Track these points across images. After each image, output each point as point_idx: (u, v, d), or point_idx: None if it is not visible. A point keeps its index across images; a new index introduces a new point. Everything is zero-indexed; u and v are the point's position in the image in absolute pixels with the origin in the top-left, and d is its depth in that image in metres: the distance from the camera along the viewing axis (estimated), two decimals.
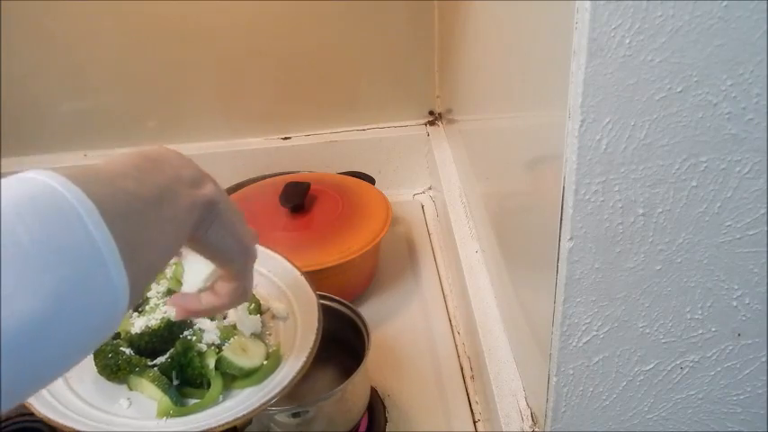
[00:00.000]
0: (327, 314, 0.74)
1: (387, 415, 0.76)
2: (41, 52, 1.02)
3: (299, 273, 0.67)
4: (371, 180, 1.05)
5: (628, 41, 0.38)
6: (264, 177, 1.06)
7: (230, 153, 1.12)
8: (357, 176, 1.04)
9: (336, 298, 0.74)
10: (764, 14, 0.38)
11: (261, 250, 0.68)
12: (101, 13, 0.99)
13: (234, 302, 0.52)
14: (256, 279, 0.67)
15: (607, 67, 0.39)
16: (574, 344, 0.50)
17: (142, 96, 1.08)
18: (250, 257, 0.50)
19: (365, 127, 1.14)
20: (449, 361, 0.83)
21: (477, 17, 0.76)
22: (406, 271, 0.99)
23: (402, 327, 0.88)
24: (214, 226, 0.45)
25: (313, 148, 1.13)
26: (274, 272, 0.68)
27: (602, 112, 0.41)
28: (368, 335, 0.70)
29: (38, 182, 0.33)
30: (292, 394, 0.73)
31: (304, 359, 0.58)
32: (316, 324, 0.61)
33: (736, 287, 0.49)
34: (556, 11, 0.44)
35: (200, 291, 0.53)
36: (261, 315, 0.64)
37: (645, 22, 0.38)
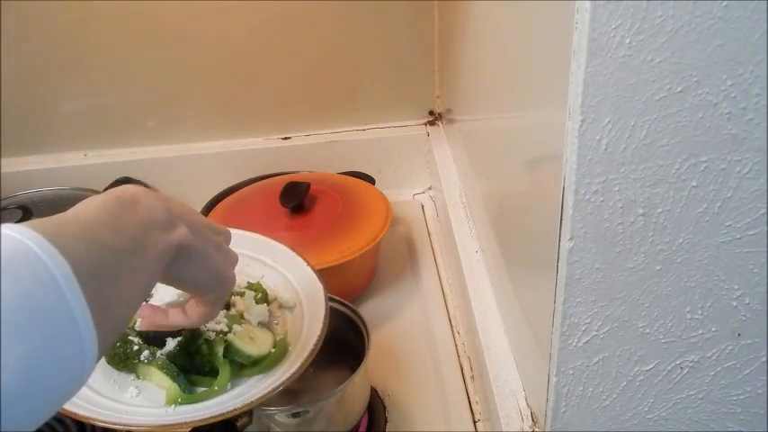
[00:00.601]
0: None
1: (387, 415, 0.76)
2: (41, 52, 1.02)
3: (305, 263, 0.67)
4: (371, 180, 1.05)
5: (628, 41, 0.38)
6: (264, 177, 1.06)
7: (230, 153, 1.12)
8: (357, 176, 1.04)
9: (336, 298, 0.74)
10: (764, 14, 0.38)
11: (267, 241, 0.69)
12: (101, 14, 0.99)
13: (201, 323, 0.53)
14: (263, 269, 0.68)
15: (607, 67, 0.39)
16: (574, 344, 0.50)
17: (142, 96, 1.08)
18: (227, 287, 0.50)
19: (365, 127, 1.14)
20: (449, 361, 0.83)
21: (477, 17, 0.76)
22: (406, 271, 0.98)
23: (402, 327, 0.88)
24: (188, 264, 0.45)
25: (313, 148, 1.13)
26: (281, 263, 0.68)
27: (602, 112, 0.41)
28: (368, 335, 0.70)
29: (12, 240, 0.32)
30: (292, 394, 0.73)
31: (311, 347, 0.58)
32: (323, 312, 0.61)
33: (736, 287, 0.49)
34: (556, 11, 0.44)
35: (169, 305, 0.53)
36: (268, 305, 0.65)
37: (645, 22, 0.38)
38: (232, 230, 0.70)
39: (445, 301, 0.92)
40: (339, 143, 1.13)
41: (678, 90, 0.40)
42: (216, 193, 1.04)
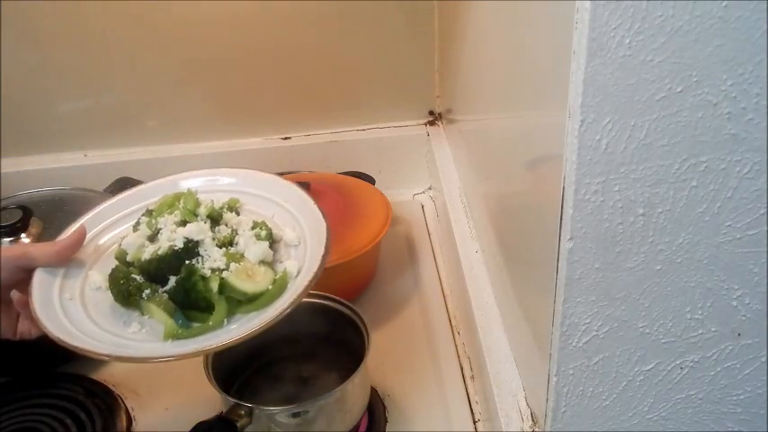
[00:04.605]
0: (327, 314, 0.74)
1: (387, 415, 0.76)
2: (41, 52, 1.02)
3: (312, 202, 0.67)
4: (371, 180, 1.05)
5: (628, 41, 0.38)
6: None
7: (230, 153, 1.12)
8: (357, 176, 1.04)
9: (336, 298, 0.74)
10: (764, 14, 0.38)
11: (279, 181, 0.71)
12: (101, 13, 0.99)
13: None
14: (275, 209, 0.69)
15: (607, 67, 0.39)
16: (574, 344, 0.50)
17: (142, 96, 1.08)
18: None
19: (365, 127, 1.14)
20: (449, 361, 0.83)
21: (477, 17, 0.76)
22: (406, 271, 0.98)
23: (402, 327, 0.88)
24: None
25: (313, 148, 1.13)
26: (291, 202, 0.69)
27: (602, 112, 0.41)
28: (368, 335, 0.70)
29: None
30: (292, 394, 0.73)
31: (306, 283, 0.58)
32: (323, 250, 0.61)
33: (736, 287, 0.49)
34: (556, 11, 0.44)
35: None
36: (275, 243, 0.65)
37: (645, 22, 0.38)
38: (249, 172, 0.73)
39: (445, 301, 0.92)
40: (339, 143, 1.13)
41: (678, 90, 0.40)
42: None
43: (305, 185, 0.92)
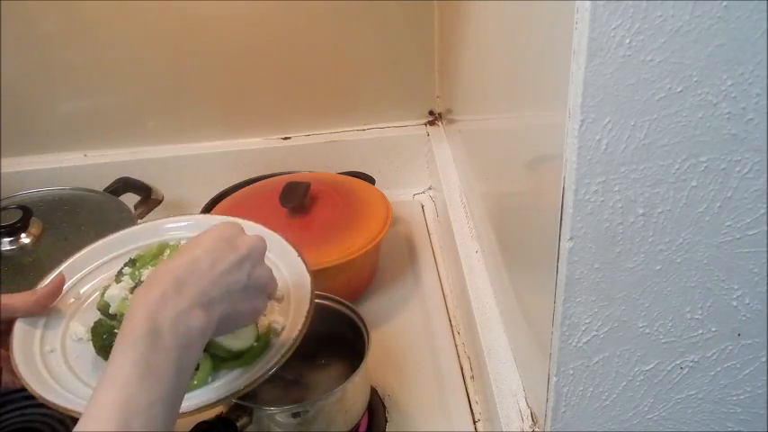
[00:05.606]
0: (327, 314, 0.74)
1: (387, 415, 0.76)
2: (41, 52, 1.02)
3: (296, 253, 0.66)
4: (371, 180, 1.05)
5: (628, 41, 0.38)
6: (264, 177, 1.06)
7: (230, 153, 1.12)
8: (357, 176, 1.04)
9: (336, 298, 0.75)
10: (764, 14, 0.38)
11: (263, 230, 0.68)
12: (101, 13, 0.99)
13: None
14: None
15: (607, 67, 0.39)
16: (574, 344, 0.50)
17: (142, 96, 1.08)
18: (253, 319, 0.57)
19: (365, 127, 1.14)
20: (449, 361, 0.83)
21: (477, 17, 0.76)
22: (406, 271, 0.98)
23: (402, 327, 0.88)
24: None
25: (313, 148, 1.13)
26: (275, 252, 0.67)
27: (602, 112, 0.41)
28: (368, 335, 0.70)
29: None
30: (292, 394, 0.73)
31: (291, 342, 0.58)
32: (307, 306, 0.61)
33: (736, 287, 0.49)
34: (556, 11, 0.44)
35: None
36: None
37: (645, 22, 0.38)
38: (232, 219, 0.69)
39: (445, 301, 0.92)
40: (339, 143, 1.13)
41: (678, 90, 0.40)
42: (216, 193, 1.04)
43: (304, 187, 0.93)
